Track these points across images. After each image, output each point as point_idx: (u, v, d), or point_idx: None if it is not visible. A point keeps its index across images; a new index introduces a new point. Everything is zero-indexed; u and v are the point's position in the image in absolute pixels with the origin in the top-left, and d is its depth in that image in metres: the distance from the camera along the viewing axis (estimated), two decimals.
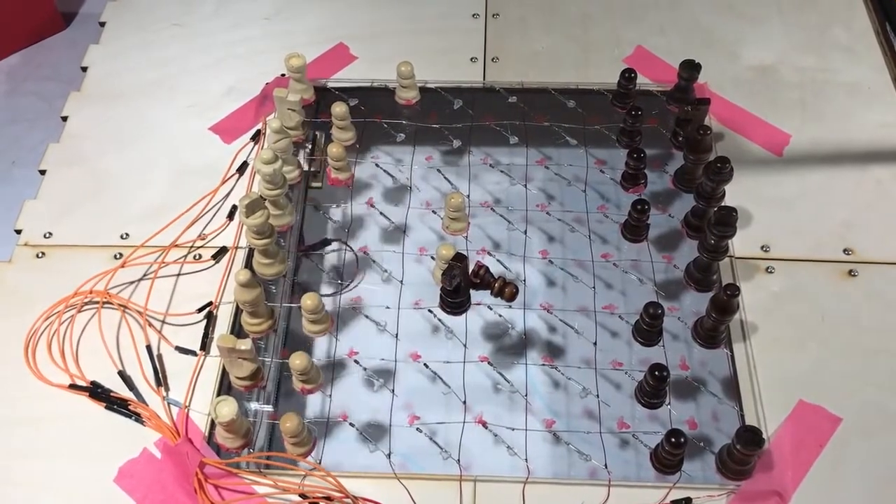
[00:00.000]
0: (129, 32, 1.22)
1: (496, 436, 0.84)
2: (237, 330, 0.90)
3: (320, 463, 0.81)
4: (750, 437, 0.74)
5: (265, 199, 0.90)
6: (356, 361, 0.90)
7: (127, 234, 0.98)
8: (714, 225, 0.85)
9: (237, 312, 0.91)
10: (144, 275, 0.94)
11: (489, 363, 0.89)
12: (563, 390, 0.87)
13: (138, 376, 0.86)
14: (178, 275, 0.95)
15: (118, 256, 0.96)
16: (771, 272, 0.93)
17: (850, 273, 0.93)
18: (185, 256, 0.96)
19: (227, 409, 0.77)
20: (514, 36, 1.19)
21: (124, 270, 0.94)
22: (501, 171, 1.06)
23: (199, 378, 0.86)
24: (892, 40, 1.17)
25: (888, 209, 0.99)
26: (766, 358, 0.87)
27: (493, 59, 1.15)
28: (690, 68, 1.03)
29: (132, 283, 0.94)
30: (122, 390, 0.85)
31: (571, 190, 1.04)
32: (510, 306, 0.91)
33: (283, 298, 0.94)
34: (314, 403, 0.90)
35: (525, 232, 0.99)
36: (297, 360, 0.81)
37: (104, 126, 1.10)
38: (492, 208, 1.04)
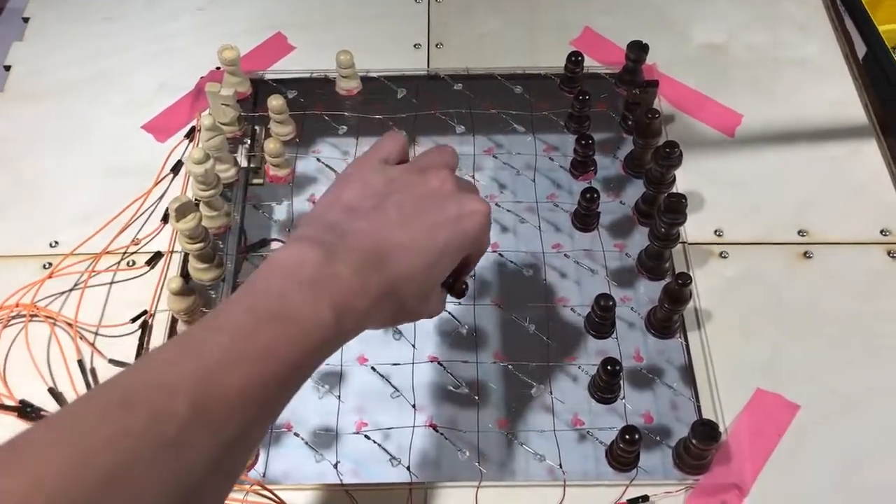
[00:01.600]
0: (56, 28, 1.15)
1: (447, 439, 0.81)
2: None
3: (264, 476, 0.78)
4: (706, 432, 0.72)
5: (198, 202, 0.85)
6: None
7: (56, 242, 0.93)
8: (663, 212, 0.83)
9: (173, 321, 0.86)
10: (75, 285, 0.89)
11: (439, 363, 0.86)
12: (517, 388, 0.84)
13: (70, 393, 0.82)
14: (112, 283, 0.90)
15: (47, 266, 0.91)
16: (725, 257, 0.91)
17: (806, 255, 0.91)
18: (118, 263, 0.91)
19: None
20: (459, 20, 1.15)
21: (53, 281, 0.89)
22: None
23: None
24: (842, 15, 1.15)
25: (842, 187, 0.97)
26: (722, 346, 0.84)
27: (437, 46, 1.11)
28: (638, 49, 1.00)
29: (62, 293, 0.89)
30: (53, 408, 0.81)
31: (521, 179, 1.00)
32: (460, 303, 0.88)
33: None
34: None
35: None
36: None
37: (30, 128, 1.04)
38: None
